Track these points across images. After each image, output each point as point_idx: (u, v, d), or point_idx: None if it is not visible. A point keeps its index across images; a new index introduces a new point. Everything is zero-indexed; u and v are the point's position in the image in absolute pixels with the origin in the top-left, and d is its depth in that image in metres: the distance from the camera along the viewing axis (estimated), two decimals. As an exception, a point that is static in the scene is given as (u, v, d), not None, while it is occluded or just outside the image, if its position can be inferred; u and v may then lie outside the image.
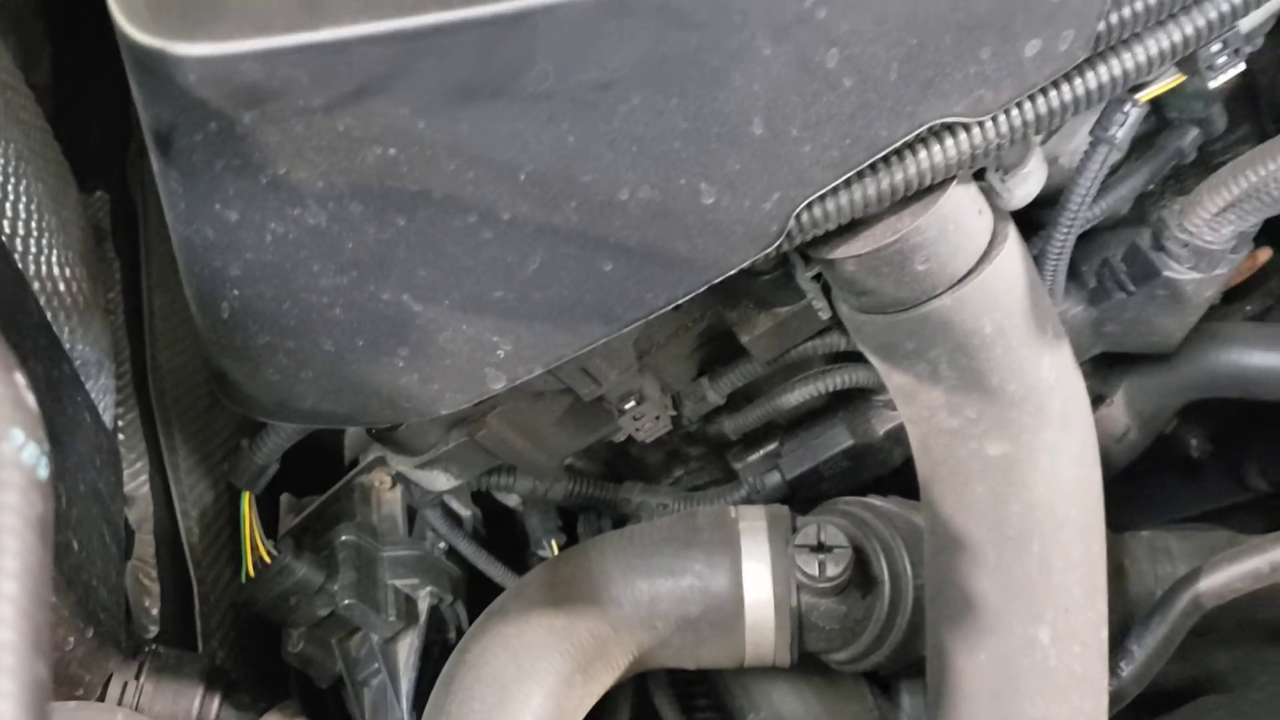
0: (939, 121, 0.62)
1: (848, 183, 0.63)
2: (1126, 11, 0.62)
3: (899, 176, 0.63)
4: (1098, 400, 1.01)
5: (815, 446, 0.98)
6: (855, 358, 0.88)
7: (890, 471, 1.00)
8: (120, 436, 1.09)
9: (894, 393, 0.78)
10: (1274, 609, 0.95)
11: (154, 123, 0.60)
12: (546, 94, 0.57)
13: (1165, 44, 0.64)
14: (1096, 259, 0.86)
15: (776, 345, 0.86)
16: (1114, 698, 0.86)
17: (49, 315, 0.93)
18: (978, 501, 0.76)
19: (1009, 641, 0.76)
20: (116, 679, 0.87)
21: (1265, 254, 0.92)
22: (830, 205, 0.64)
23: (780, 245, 0.65)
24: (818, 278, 0.74)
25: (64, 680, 0.81)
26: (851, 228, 0.67)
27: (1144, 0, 0.62)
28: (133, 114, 1.30)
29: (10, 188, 0.92)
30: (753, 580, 0.84)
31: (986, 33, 0.59)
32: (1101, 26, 0.62)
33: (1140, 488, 1.23)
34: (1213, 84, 0.72)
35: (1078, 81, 0.64)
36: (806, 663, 0.94)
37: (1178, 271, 0.80)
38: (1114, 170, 0.85)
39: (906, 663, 0.89)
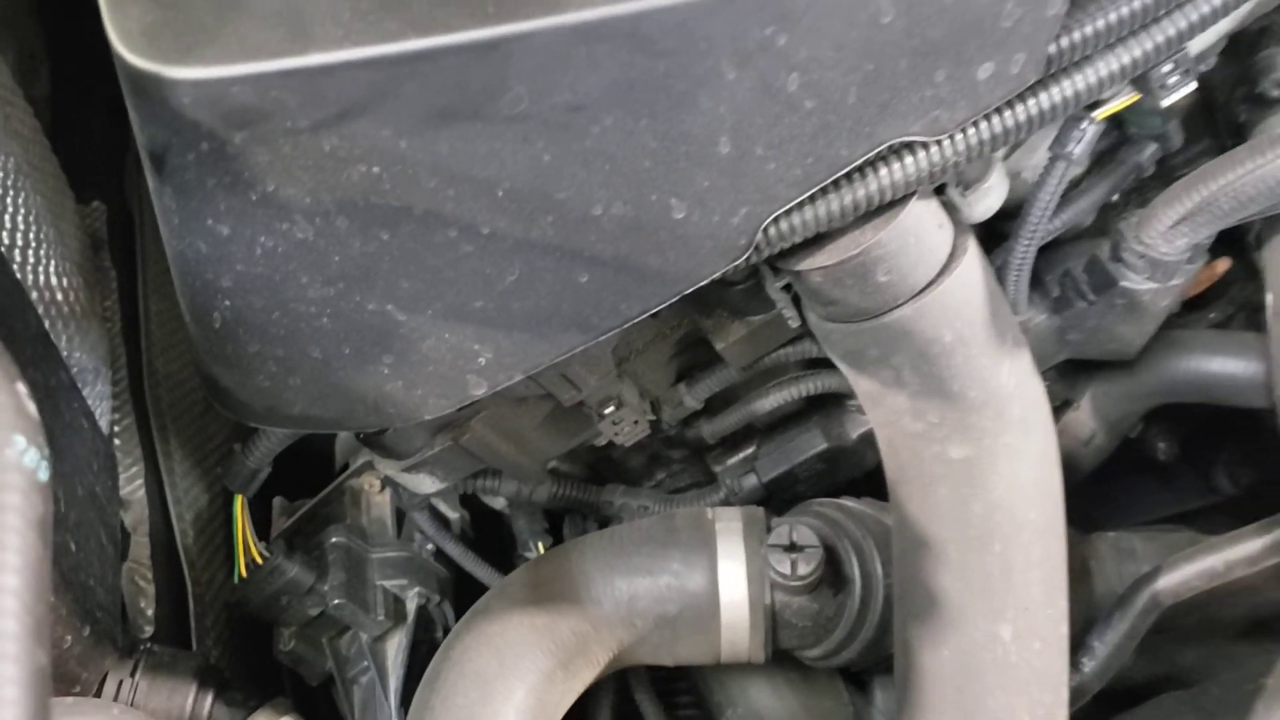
0: (897, 141, 0.65)
1: (812, 199, 0.66)
2: (1077, 35, 0.65)
3: (860, 193, 0.66)
4: (1065, 405, 1.04)
5: (790, 450, 1.01)
6: (828, 364, 0.90)
7: (864, 474, 1.03)
8: (116, 441, 1.11)
9: (861, 398, 0.81)
10: (1235, 607, 0.99)
11: (149, 142, 0.63)
12: (522, 116, 0.59)
13: (1115, 66, 0.67)
14: (1059, 269, 0.89)
15: (750, 352, 0.90)
16: (1077, 693, 0.89)
17: (47, 324, 0.96)
18: (941, 503, 0.79)
19: (972, 638, 0.79)
20: (112, 677, 0.89)
21: (1224, 264, 0.95)
22: (796, 220, 0.67)
23: (748, 258, 0.68)
24: (787, 288, 0.77)
25: (62, 678, 0.84)
26: (817, 241, 0.70)
27: (1093, 25, 0.65)
28: (129, 126, 1.33)
29: (9, 200, 0.95)
30: (728, 579, 0.87)
31: (941, 57, 0.62)
32: (1052, 50, 0.65)
33: (1111, 490, 1.26)
34: (1165, 103, 0.75)
35: (1031, 102, 0.67)
36: (783, 660, 0.97)
37: (1135, 282, 0.83)
38: (1076, 184, 0.88)
39: (878, 658, 0.92)
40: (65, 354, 0.99)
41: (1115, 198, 0.92)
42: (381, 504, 1.12)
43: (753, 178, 0.64)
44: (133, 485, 1.11)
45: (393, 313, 0.67)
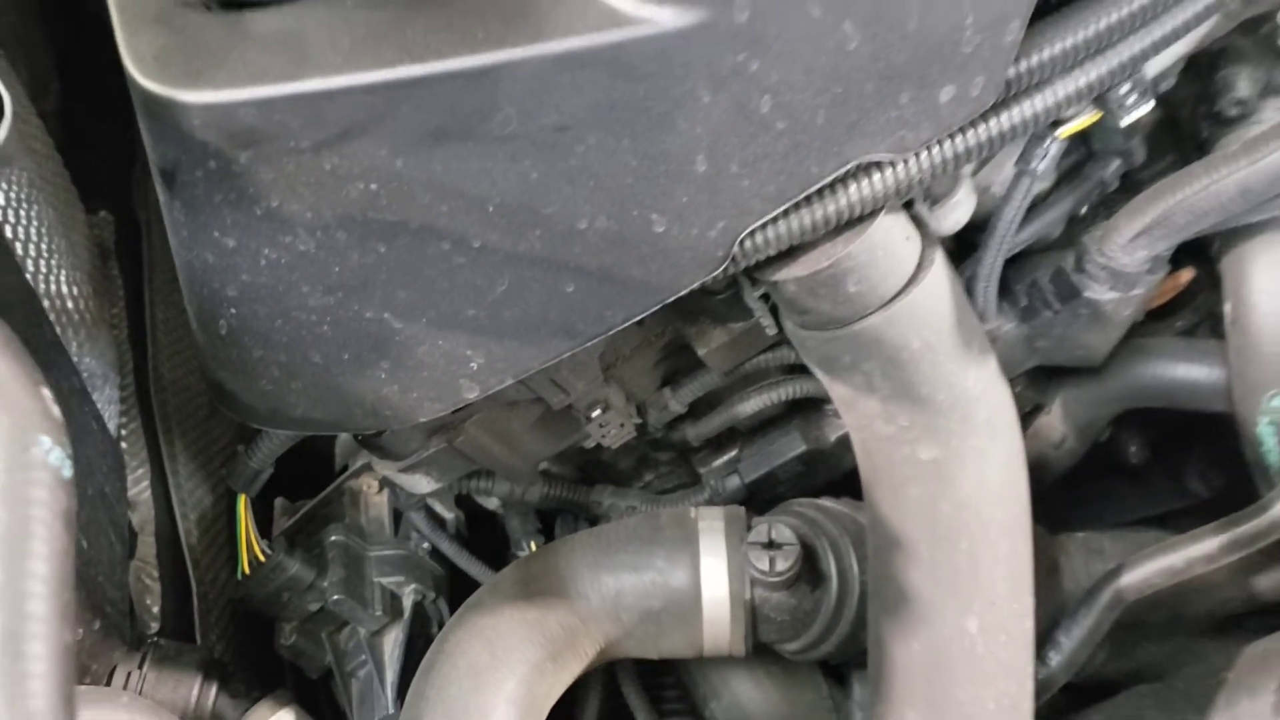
0: (865, 159, 0.69)
1: (785, 213, 0.70)
2: (1035, 60, 0.69)
3: (831, 208, 0.70)
4: (1036, 410, 1.08)
5: (771, 452, 1.05)
6: (806, 370, 0.94)
7: (842, 475, 1.07)
8: (123, 444, 1.15)
9: (836, 402, 0.85)
10: (1198, 604, 1.02)
11: (160, 160, 0.66)
12: (511, 136, 0.63)
13: (1072, 88, 0.71)
14: (1027, 279, 0.92)
15: (731, 358, 0.93)
16: (1044, 684, 0.93)
17: (59, 331, 0.99)
18: (912, 502, 0.83)
19: (940, 631, 0.83)
20: (121, 669, 0.92)
21: (1188, 274, 0.99)
22: (770, 233, 0.71)
23: (726, 269, 0.71)
24: (764, 297, 0.81)
25: (72, 668, 0.88)
26: (791, 253, 0.74)
27: (1050, 50, 0.69)
28: (136, 139, 1.37)
29: (24, 213, 0.99)
30: (710, 575, 0.90)
31: (904, 81, 0.66)
32: (1011, 74, 0.69)
33: (1085, 493, 1.29)
34: (1124, 121, 0.78)
35: (992, 122, 0.70)
36: (764, 654, 1.01)
37: (1097, 292, 0.87)
38: (1044, 197, 0.92)
39: (855, 652, 0.95)
40: (76, 360, 1.02)
41: (1083, 211, 0.96)
42: (379, 504, 1.15)
43: (728, 194, 0.68)
44: (139, 487, 1.15)
45: (389, 321, 0.71)
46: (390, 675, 1.05)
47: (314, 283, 0.69)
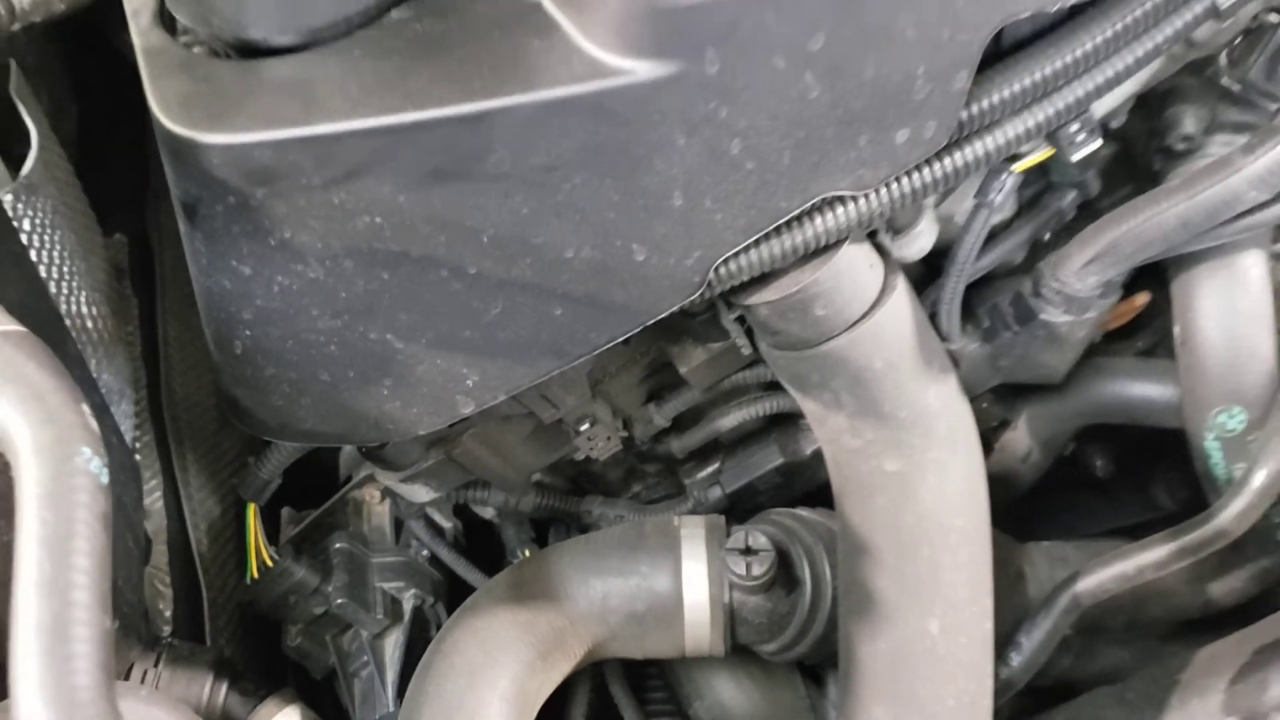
0: (828, 195, 0.74)
1: (756, 243, 0.76)
2: (985, 103, 0.75)
3: (798, 239, 0.76)
4: (1003, 425, 1.13)
5: (751, 464, 1.11)
6: (783, 387, 1.00)
7: (818, 486, 1.13)
8: (138, 456, 1.21)
9: (808, 417, 0.91)
10: (1155, 609, 1.08)
11: (183, 195, 0.72)
12: (503, 175, 0.69)
13: (1020, 129, 0.77)
14: (989, 303, 0.98)
15: (711, 375, 0.99)
16: (1006, 684, 0.98)
17: (80, 348, 1.05)
18: (878, 511, 0.89)
19: (904, 632, 0.89)
20: (138, 667, 0.97)
21: (1144, 298, 1.05)
22: (743, 261, 0.76)
23: (702, 294, 0.77)
24: (740, 320, 0.87)
25: (91, 666, 0.93)
26: (763, 279, 0.80)
27: (998, 95, 0.75)
28: (149, 164, 1.44)
29: (47, 238, 1.05)
30: (691, 580, 0.96)
31: (863, 125, 0.72)
32: (963, 116, 0.75)
33: (1056, 505, 1.35)
34: (1075, 158, 0.84)
35: (946, 160, 0.76)
36: (745, 656, 1.06)
37: (1053, 315, 0.93)
38: (1007, 225, 0.98)
39: (829, 653, 1.01)
40: (95, 376, 1.08)
41: (1047, 237, 1.02)
42: (381, 513, 1.21)
43: (703, 226, 0.74)
44: (152, 497, 1.20)
45: (392, 341, 0.77)
46: (391, 675, 1.11)
47: (323, 307, 0.74)
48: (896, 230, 0.85)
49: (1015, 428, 1.13)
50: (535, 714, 0.95)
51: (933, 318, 0.96)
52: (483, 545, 1.28)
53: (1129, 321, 1.10)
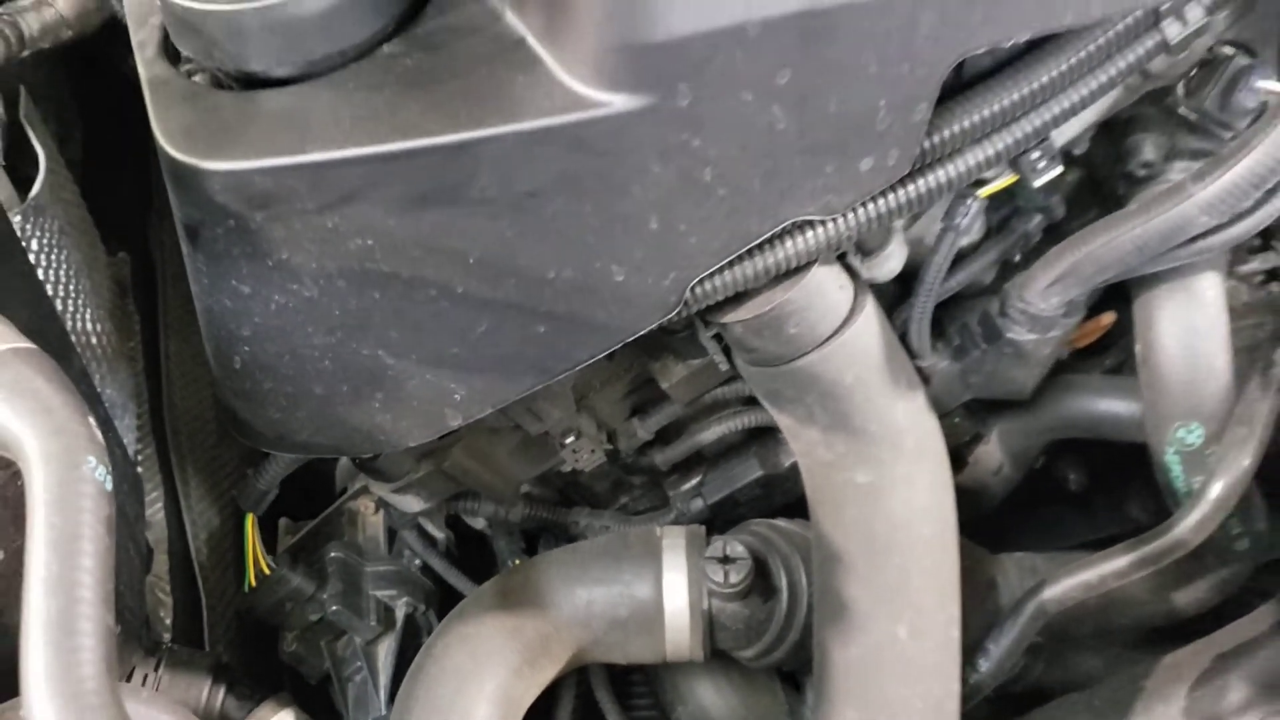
0: (797, 219, 0.78)
1: (730, 265, 0.79)
2: (946, 133, 0.78)
3: (770, 260, 0.80)
4: (975, 439, 1.17)
5: (731, 476, 1.15)
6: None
7: (797, 498, 1.16)
8: (140, 469, 1.24)
9: (784, 431, 0.95)
10: (1122, 617, 1.12)
11: (186, 218, 0.76)
12: (488, 200, 0.73)
13: (980, 157, 0.81)
14: (959, 321, 1.02)
15: (692, 390, 1.03)
16: (975, 688, 1.02)
17: (85, 364, 1.09)
18: (850, 521, 0.93)
19: (874, 637, 0.93)
20: (139, 670, 1.01)
21: (1109, 318, 1.09)
22: (717, 281, 0.80)
23: (679, 313, 0.81)
24: (717, 337, 0.90)
25: (94, 669, 0.96)
26: (738, 298, 0.83)
27: (958, 125, 0.78)
28: (151, 185, 1.48)
29: (54, 257, 1.09)
30: (671, 587, 1.00)
31: (828, 154, 0.75)
32: (926, 145, 0.79)
33: (1035, 519, 1.39)
34: (1036, 183, 0.87)
35: (910, 187, 0.80)
36: (726, 663, 1.10)
37: (1018, 333, 0.97)
38: (976, 247, 1.02)
39: (806, 659, 1.04)
40: (99, 390, 1.12)
41: (1017, 258, 1.06)
42: (376, 524, 1.25)
43: (678, 249, 0.78)
44: (153, 508, 1.24)
45: (383, 357, 0.80)
46: (383, 680, 1.14)
47: (318, 324, 0.78)
48: (866, 252, 0.89)
49: (987, 442, 1.17)
50: (522, 717, 0.99)
51: (905, 336, 1.00)
52: (475, 556, 1.32)
53: (1098, 340, 1.14)
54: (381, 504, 1.19)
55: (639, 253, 0.77)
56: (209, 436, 1.34)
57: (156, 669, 1.02)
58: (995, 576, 1.11)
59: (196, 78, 0.79)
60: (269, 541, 1.23)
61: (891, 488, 0.91)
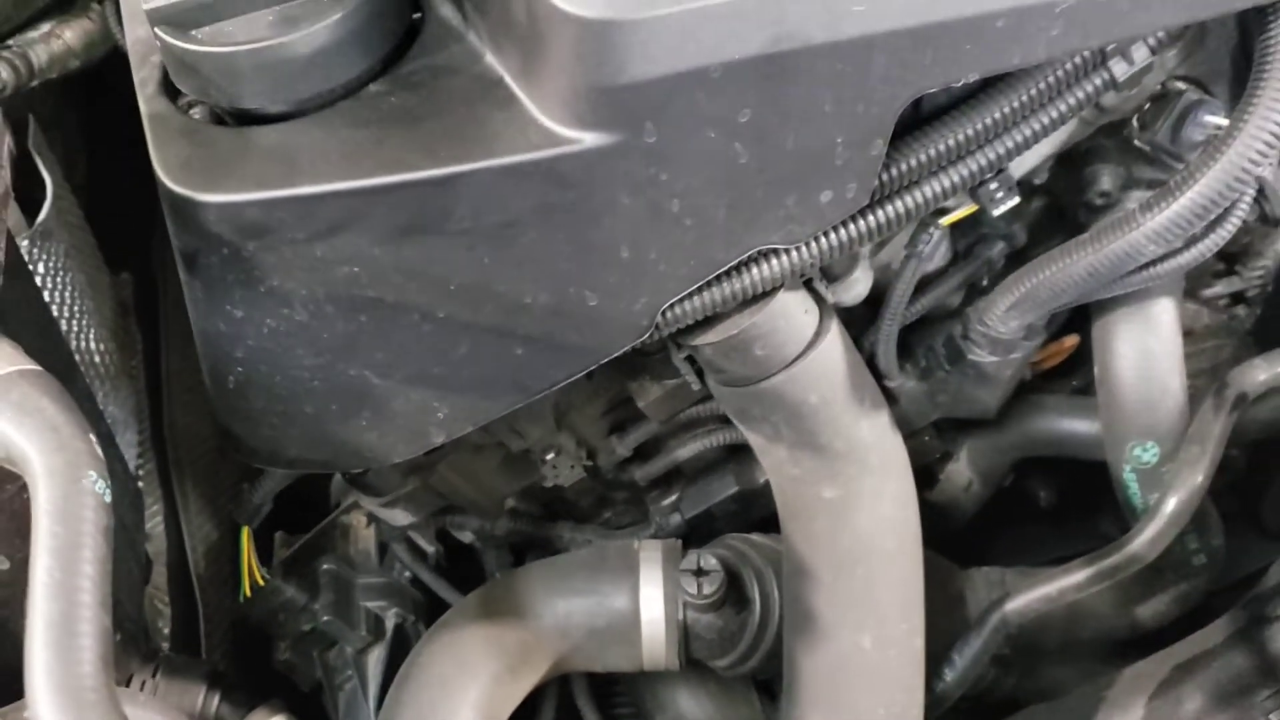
0: (762, 247, 0.82)
1: (698, 290, 0.83)
2: (901, 167, 0.82)
3: (736, 286, 0.83)
4: (945, 457, 1.22)
5: (708, 492, 1.19)
6: (736, 420, 1.08)
7: (774, 513, 1.20)
8: (140, 483, 1.28)
9: (754, 448, 0.99)
10: (1085, 629, 1.16)
11: (183, 246, 0.80)
12: (467, 231, 0.77)
13: (937, 189, 0.84)
14: (925, 344, 1.07)
15: (668, 409, 1.07)
16: (940, 698, 1.06)
17: (88, 382, 1.14)
18: (818, 535, 0.97)
19: (840, 646, 0.96)
20: (136, 677, 1.04)
21: (1072, 340, 1.13)
22: (687, 306, 0.84)
23: (651, 335, 0.85)
24: (689, 359, 0.95)
25: (94, 675, 1.00)
26: (707, 322, 0.87)
27: (915, 159, 0.82)
28: (154, 208, 1.52)
29: (60, 279, 1.14)
30: (647, 599, 1.03)
31: (789, 186, 0.79)
32: (884, 178, 0.83)
33: (1009, 535, 1.43)
34: (995, 213, 0.91)
35: (870, 217, 0.83)
36: (704, 673, 1.14)
37: (980, 355, 1.01)
38: (942, 272, 1.06)
39: (778, 668, 1.07)
40: (102, 408, 1.16)
41: (985, 282, 1.10)
42: (368, 537, 1.29)
43: (649, 275, 0.81)
44: (153, 521, 1.28)
45: (369, 377, 0.84)
46: (373, 688, 1.18)
47: (307, 346, 0.82)
48: (832, 278, 0.93)
49: (957, 460, 1.21)
50: (503, 723, 1.03)
51: (873, 357, 1.05)
52: (464, 568, 1.36)
53: (1064, 361, 1.18)
54: (373, 518, 1.23)
55: (611, 279, 0.81)
56: (208, 452, 1.38)
57: (154, 676, 1.06)
58: (964, 590, 1.15)
59: (195, 111, 0.83)
60: (265, 554, 1.27)
61: (857, 502, 0.95)
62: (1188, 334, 1.16)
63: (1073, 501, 1.39)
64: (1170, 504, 0.97)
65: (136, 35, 0.89)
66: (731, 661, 1.08)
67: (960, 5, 0.73)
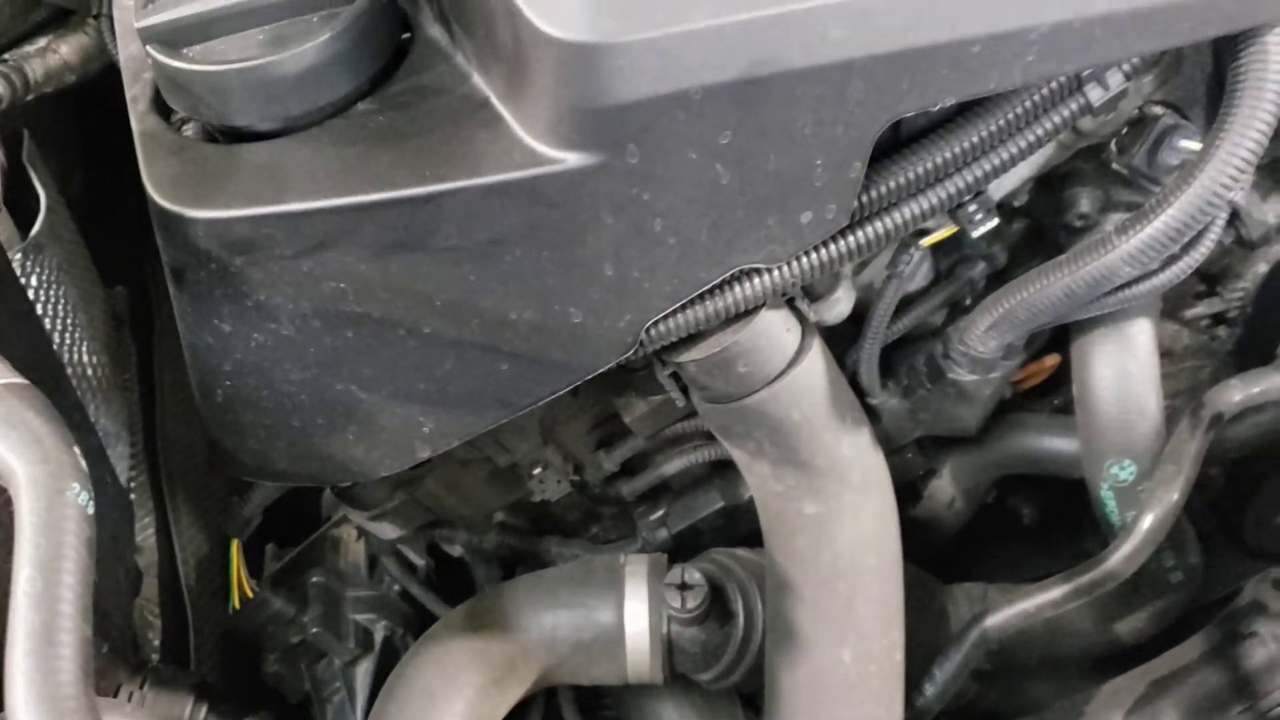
0: (744, 267, 0.83)
1: (682, 308, 0.84)
2: (881, 189, 0.84)
3: (720, 304, 0.85)
4: (929, 474, 1.23)
5: (694, 507, 1.20)
6: (721, 436, 1.09)
7: (759, 528, 1.21)
8: (132, 495, 1.29)
9: (738, 464, 1.00)
10: (1069, 646, 1.17)
11: (172, 261, 0.81)
12: (453, 248, 0.78)
13: (916, 210, 0.85)
14: (908, 362, 1.08)
15: (653, 424, 1.08)
16: (921, 712, 1.07)
17: (79, 395, 1.15)
18: (799, 550, 0.98)
19: (820, 661, 0.97)
20: (124, 688, 1.05)
21: (1053, 360, 1.14)
22: (670, 324, 0.85)
23: (635, 352, 0.86)
24: (674, 375, 0.96)
25: (82, 686, 1.01)
26: (691, 339, 0.88)
27: (892, 182, 0.83)
28: (148, 222, 1.53)
29: (53, 293, 1.15)
30: (632, 613, 1.04)
31: (769, 207, 0.80)
32: (863, 199, 0.85)
33: (994, 552, 1.44)
34: (974, 234, 0.93)
35: (850, 238, 0.85)
36: (689, 687, 1.15)
37: (960, 374, 1.02)
38: (925, 291, 1.08)
39: (762, 682, 1.09)
40: (93, 420, 1.17)
41: (968, 301, 1.11)
42: (358, 550, 1.30)
43: (633, 293, 0.83)
44: (145, 533, 1.29)
45: (355, 392, 0.85)
46: (361, 701, 1.19)
47: (294, 361, 0.83)
48: (815, 297, 0.95)
49: (940, 476, 1.23)
50: (489, 735, 1.04)
51: (856, 375, 1.06)
52: (455, 582, 1.37)
53: (1046, 380, 1.19)
54: (363, 531, 1.24)
55: (595, 296, 0.83)
56: (199, 464, 1.39)
57: (142, 687, 1.06)
58: (946, 605, 1.16)
59: (187, 128, 0.85)
60: (257, 566, 1.28)
61: (838, 518, 0.96)
62: (1168, 354, 1.18)
63: (1057, 518, 1.40)
64: (1146, 522, 0.98)
65: (129, 52, 0.91)
66: (715, 675, 1.09)
67: (936, 31, 0.74)
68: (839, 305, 0.97)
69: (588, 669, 1.07)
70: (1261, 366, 1.05)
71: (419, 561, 1.33)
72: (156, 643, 1.23)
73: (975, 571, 1.29)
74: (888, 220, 0.86)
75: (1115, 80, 0.85)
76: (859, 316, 1.02)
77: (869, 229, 0.86)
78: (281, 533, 1.33)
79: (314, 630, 1.18)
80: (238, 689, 1.24)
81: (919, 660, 1.06)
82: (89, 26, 1.34)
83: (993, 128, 0.84)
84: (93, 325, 1.25)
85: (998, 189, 0.97)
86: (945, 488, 1.23)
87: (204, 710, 1.09)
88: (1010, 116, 0.84)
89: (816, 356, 0.92)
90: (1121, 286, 0.93)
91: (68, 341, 1.16)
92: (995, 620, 1.04)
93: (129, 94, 0.88)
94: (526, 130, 0.77)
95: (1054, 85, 0.84)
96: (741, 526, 1.22)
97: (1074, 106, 0.86)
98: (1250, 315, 1.22)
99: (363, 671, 1.21)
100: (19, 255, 1.11)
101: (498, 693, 1.04)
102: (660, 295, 0.84)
